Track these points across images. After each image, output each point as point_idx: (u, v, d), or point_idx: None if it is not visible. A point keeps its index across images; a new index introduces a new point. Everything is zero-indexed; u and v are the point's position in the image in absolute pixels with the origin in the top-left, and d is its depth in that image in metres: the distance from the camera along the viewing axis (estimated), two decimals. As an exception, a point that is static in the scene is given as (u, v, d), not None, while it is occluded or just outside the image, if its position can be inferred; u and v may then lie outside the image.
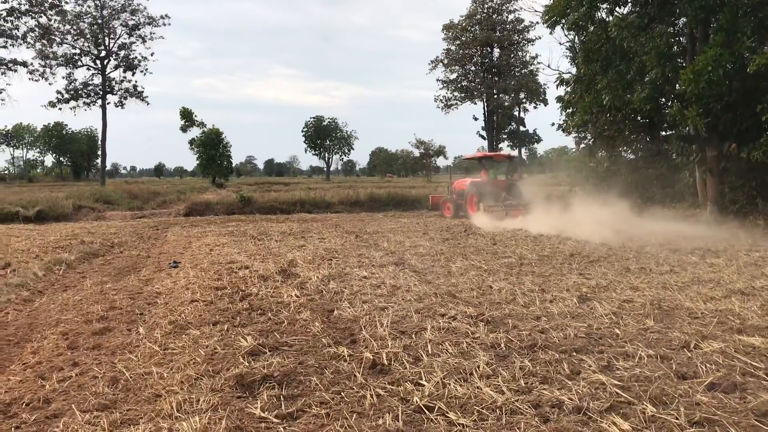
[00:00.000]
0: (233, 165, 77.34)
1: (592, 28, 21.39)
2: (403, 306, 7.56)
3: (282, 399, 4.60)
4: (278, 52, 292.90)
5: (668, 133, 22.44)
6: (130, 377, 5.24)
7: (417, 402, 4.45)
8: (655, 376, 4.94)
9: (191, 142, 65.89)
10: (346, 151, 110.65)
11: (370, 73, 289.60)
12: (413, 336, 6.20)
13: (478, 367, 5.17)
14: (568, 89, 24.07)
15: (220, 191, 40.43)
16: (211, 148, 64.33)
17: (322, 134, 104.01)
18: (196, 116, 64.77)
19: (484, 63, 67.01)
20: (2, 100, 43.29)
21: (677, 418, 4.09)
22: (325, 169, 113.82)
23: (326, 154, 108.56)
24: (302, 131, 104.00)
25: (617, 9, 21.41)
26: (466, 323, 6.64)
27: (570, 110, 24.26)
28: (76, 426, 4.26)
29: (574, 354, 5.55)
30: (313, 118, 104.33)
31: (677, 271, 9.98)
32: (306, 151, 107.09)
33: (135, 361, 5.71)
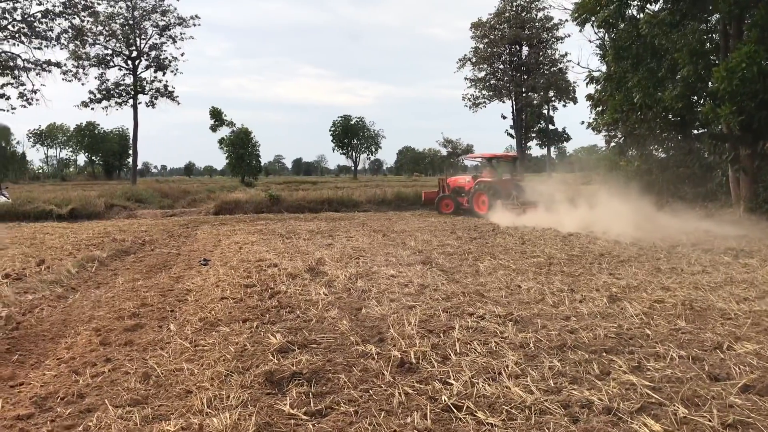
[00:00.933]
0: (262, 164, 77.81)
1: (622, 26, 21.15)
2: (430, 305, 7.55)
3: (311, 396, 4.63)
4: (306, 52, 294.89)
5: (700, 131, 22.12)
6: (162, 373, 5.32)
7: (445, 401, 4.45)
8: (687, 377, 4.87)
9: (221, 141, 66.42)
10: (374, 150, 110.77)
11: (398, 72, 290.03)
12: (441, 335, 6.20)
13: (507, 366, 5.15)
14: (598, 87, 23.82)
15: (249, 190, 40.66)
16: (241, 147, 64.75)
17: (350, 133, 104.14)
18: (225, 116, 65.15)
19: (512, 61, 66.58)
20: (37, 100, 43.82)
21: (710, 421, 4.04)
22: (353, 168, 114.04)
23: (353, 153, 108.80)
24: (330, 130, 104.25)
25: (648, 6, 21.13)
26: (495, 323, 6.62)
27: (600, 108, 24.03)
28: (109, 421, 4.33)
29: (604, 354, 5.49)
30: (341, 117, 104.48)
31: (709, 272, 9.83)
32: (333, 150, 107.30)
33: (166, 358, 5.80)
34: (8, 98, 43.24)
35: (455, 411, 4.33)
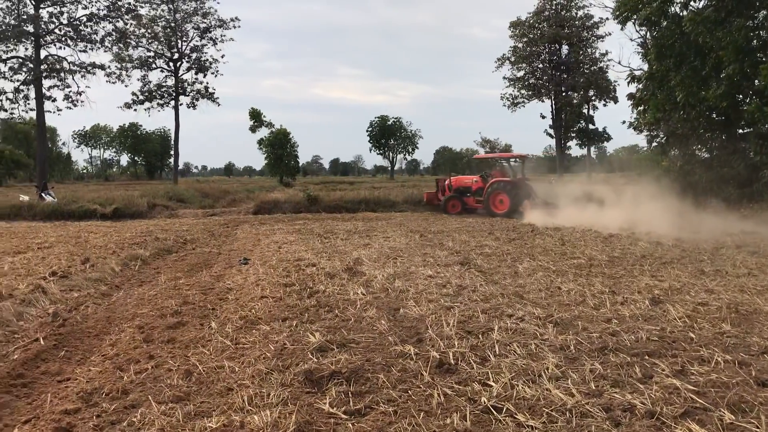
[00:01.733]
0: (300, 164, 78.42)
1: (665, 24, 20.80)
2: (469, 306, 7.52)
3: (350, 395, 4.66)
4: (344, 53, 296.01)
5: (746, 130, 21.59)
6: (203, 370, 5.40)
7: (485, 402, 4.44)
8: (733, 382, 4.77)
9: (260, 142, 67.11)
10: (410, 150, 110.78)
11: (436, 72, 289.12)
12: (480, 336, 6.17)
13: (547, 368, 5.11)
14: (640, 86, 23.47)
15: (287, 190, 41.10)
16: (279, 147, 65.33)
17: (387, 133, 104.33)
18: (264, 117, 65.88)
19: (552, 60, 65.91)
20: (82, 102, 44.98)
21: (758, 427, 3.95)
22: (389, 168, 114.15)
23: (390, 154, 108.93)
24: (367, 131, 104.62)
25: (692, 3, 20.74)
26: (534, 324, 6.57)
27: (642, 108, 23.65)
28: (153, 417, 4.42)
29: (647, 357, 5.41)
30: (378, 117, 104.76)
31: (756, 274, 9.60)
32: (370, 150, 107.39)
33: (207, 355, 5.89)
34: (54, 100, 44.46)
35: (495, 413, 4.31)
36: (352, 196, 32.20)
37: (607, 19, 60.56)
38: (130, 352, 6.15)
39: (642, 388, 4.66)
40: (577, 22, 64.40)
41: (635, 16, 20.86)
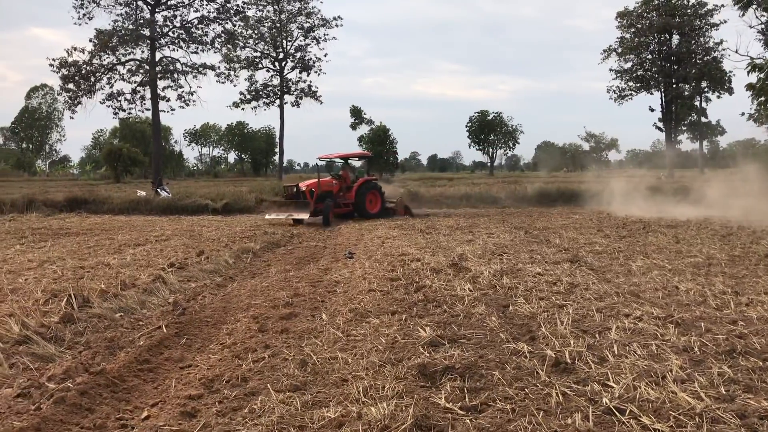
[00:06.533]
0: (398, 160, 78.90)
1: (792, 7, 19.41)
2: (582, 304, 7.29)
3: (465, 391, 4.60)
4: (444, 48, 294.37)
5: None
6: (317, 361, 5.49)
7: (606, 403, 4.27)
8: None
9: (360, 138, 68.12)
10: (511, 145, 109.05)
11: (538, 65, 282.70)
12: (596, 335, 5.96)
13: (671, 370, 4.86)
14: (761, 76, 22.02)
15: (386, 186, 41.39)
16: (379, 144, 66.03)
17: (487, 129, 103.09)
18: (365, 114, 66.83)
19: (661, 51, 63.19)
20: (194, 101, 47.00)
21: None
22: (488, 164, 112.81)
23: (490, 149, 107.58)
24: (466, 126, 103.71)
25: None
26: (654, 324, 6.27)
27: (762, 99, 22.20)
28: (272, 404, 4.53)
29: (782, 363, 5.04)
30: (478, 112, 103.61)
31: None
32: (470, 146, 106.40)
33: (320, 346, 5.99)
34: (168, 100, 46.71)
35: (617, 414, 4.14)
36: (452, 192, 32.14)
37: (722, 6, 57.37)
38: (246, 341, 6.35)
39: (779, 395, 4.35)
40: (688, 11, 61.39)
41: (758, 0, 19.58)
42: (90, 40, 43.51)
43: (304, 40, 61.97)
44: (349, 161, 24.13)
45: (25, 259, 11.75)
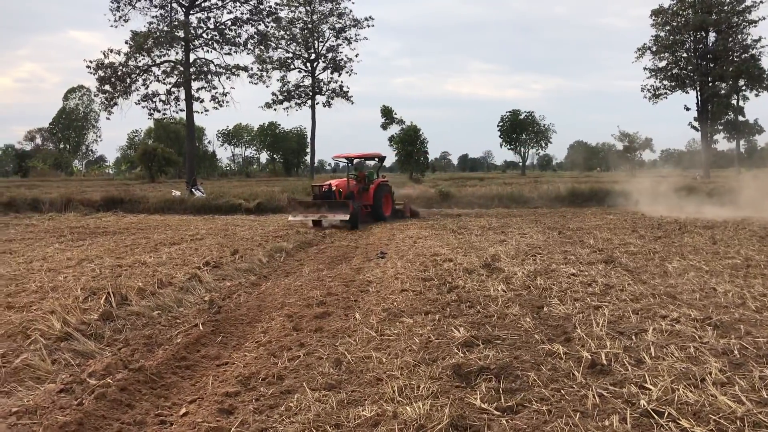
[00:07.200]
0: (429, 160, 78.68)
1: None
2: (618, 306, 7.21)
3: (500, 392, 4.59)
4: (475, 47, 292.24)
5: None
6: (352, 360, 5.52)
7: (644, 406, 4.22)
8: None
9: (391, 139, 68.05)
10: (543, 144, 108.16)
11: (570, 64, 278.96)
12: (633, 337, 5.89)
13: (710, 373, 4.78)
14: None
15: (417, 186, 41.41)
16: (409, 144, 65.90)
17: (518, 128, 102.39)
18: (395, 114, 66.74)
19: (697, 49, 61.98)
20: (227, 102, 47.48)
21: None
22: (520, 163, 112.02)
23: (522, 149, 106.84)
24: (498, 126, 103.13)
25: None
26: (691, 327, 6.17)
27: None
28: (308, 402, 4.57)
29: (826, 368, 4.93)
30: (509, 112, 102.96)
31: None
32: (501, 145, 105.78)
33: (354, 345, 6.02)
34: (202, 101, 47.20)
35: (656, 417, 4.09)
36: (484, 192, 32.01)
37: (761, 2, 56.17)
38: (281, 339, 6.41)
39: (823, 400, 4.25)
40: (726, 7, 60.15)
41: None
42: (126, 42, 44.25)
43: (336, 40, 62.28)
44: (365, 162, 23.68)
45: (64, 258, 12.01)
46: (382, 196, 21.98)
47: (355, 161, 23.17)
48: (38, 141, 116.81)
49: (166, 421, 4.54)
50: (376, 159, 23.55)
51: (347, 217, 19.20)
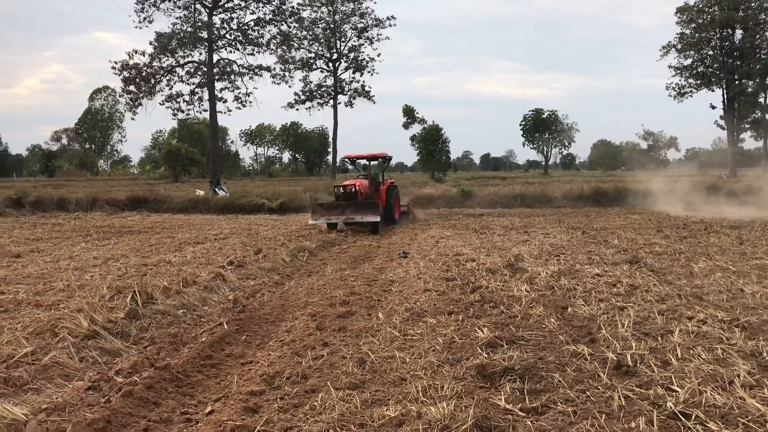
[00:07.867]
0: (451, 160, 78.44)
1: None
2: (643, 306, 7.14)
3: (525, 393, 4.57)
4: (498, 46, 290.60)
5: None
6: (375, 360, 5.53)
7: (671, 408, 4.17)
8: None
9: (412, 138, 67.95)
10: (566, 144, 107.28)
11: (595, 63, 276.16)
12: (659, 338, 5.83)
13: (738, 375, 4.72)
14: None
15: (439, 185, 41.37)
16: (431, 143, 65.76)
17: (541, 127, 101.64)
18: (417, 113, 66.61)
19: (723, 46, 61.06)
20: (250, 102, 47.70)
21: None
22: (542, 163, 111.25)
23: (545, 148, 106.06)
24: (520, 125, 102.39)
25: None
26: (719, 328, 6.10)
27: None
28: (332, 402, 4.58)
29: None
30: (532, 111, 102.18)
31: None
32: (524, 145, 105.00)
33: (378, 345, 6.03)
34: (225, 101, 47.49)
35: (683, 419, 4.04)
36: (506, 191, 31.79)
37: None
38: (305, 338, 6.43)
39: None
40: (753, 4, 59.21)
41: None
42: (150, 43, 44.64)
43: (358, 40, 62.45)
44: (369, 162, 22.75)
45: (90, 257, 12.17)
46: (393, 197, 20.77)
47: (362, 162, 22.70)
48: (64, 141, 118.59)
49: (192, 419, 4.58)
50: (381, 159, 22.82)
51: (377, 219, 17.81)
